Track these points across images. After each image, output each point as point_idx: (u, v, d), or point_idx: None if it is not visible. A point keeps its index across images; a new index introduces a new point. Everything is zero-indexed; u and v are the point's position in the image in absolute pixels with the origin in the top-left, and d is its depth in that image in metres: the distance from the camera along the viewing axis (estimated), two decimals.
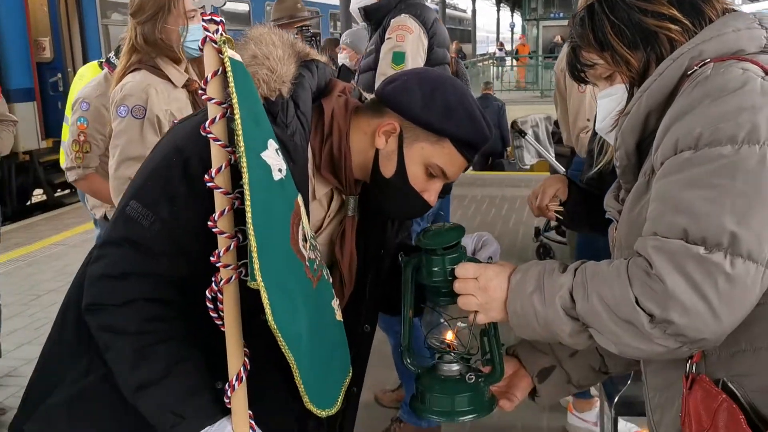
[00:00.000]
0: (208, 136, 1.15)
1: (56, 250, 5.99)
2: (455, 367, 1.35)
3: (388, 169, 1.36)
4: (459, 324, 1.35)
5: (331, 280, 1.40)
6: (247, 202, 1.10)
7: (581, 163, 2.88)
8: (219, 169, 1.15)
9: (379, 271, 1.51)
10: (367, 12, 2.84)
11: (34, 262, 5.66)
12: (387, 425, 2.99)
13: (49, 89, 7.92)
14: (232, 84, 1.13)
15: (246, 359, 1.21)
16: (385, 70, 2.66)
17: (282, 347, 1.15)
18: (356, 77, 2.98)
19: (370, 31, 2.93)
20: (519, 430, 3.08)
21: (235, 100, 1.12)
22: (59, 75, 7.87)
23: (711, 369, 1.07)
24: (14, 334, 4.17)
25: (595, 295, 1.02)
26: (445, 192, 3.01)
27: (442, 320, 1.35)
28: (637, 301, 0.98)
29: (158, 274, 1.24)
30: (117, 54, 3.13)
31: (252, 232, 1.10)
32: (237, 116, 1.12)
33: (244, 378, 1.19)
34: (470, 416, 1.34)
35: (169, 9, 2.30)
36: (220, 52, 1.15)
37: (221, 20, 1.17)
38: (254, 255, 1.10)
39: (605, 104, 1.28)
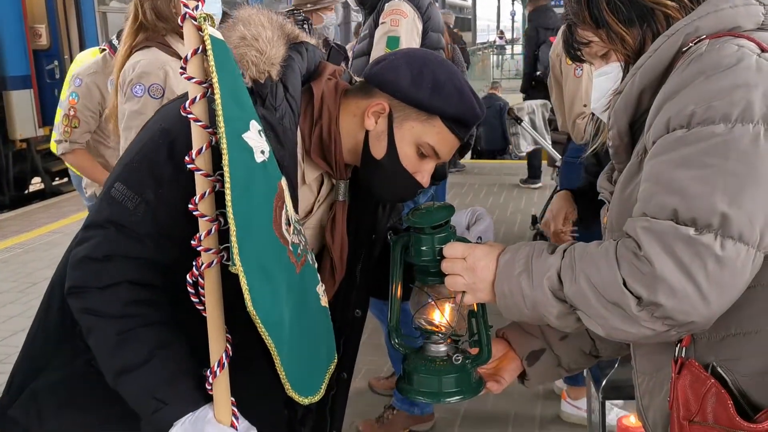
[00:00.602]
0: (188, 116, 1.12)
1: (53, 238, 5.99)
2: (442, 348, 1.34)
3: (378, 151, 1.34)
4: (447, 305, 1.33)
5: (316, 265, 1.38)
6: (227, 184, 1.08)
7: (576, 149, 2.87)
8: (200, 151, 1.13)
9: (369, 256, 1.50)
10: None
11: (31, 250, 5.66)
12: (380, 412, 3.00)
13: (46, 77, 7.88)
14: (212, 63, 1.09)
15: (228, 345, 1.19)
16: (380, 54, 2.64)
17: (261, 333, 1.14)
18: (350, 62, 2.95)
19: (364, 16, 2.91)
20: (513, 418, 3.08)
21: (215, 80, 1.09)
22: (56, 62, 7.84)
23: (700, 353, 1.06)
24: (10, 321, 4.19)
25: (583, 277, 1.01)
26: (440, 178, 3.00)
27: (430, 300, 1.33)
28: (624, 283, 0.96)
29: (143, 257, 1.22)
30: (119, 37, 3.14)
31: (231, 215, 1.08)
32: (217, 96, 1.09)
33: (225, 364, 1.17)
34: (457, 398, 1.33)
35: None
36: (200, 29, 1.11)
37: None
38: (233, 238, 1.08)
39: (600, 83, 1.26)
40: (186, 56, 1.12)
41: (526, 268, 1.09)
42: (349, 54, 3.59)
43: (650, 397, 1.18)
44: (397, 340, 1.40)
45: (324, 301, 1.37)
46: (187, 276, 1.17)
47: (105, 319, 1.21)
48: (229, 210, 1.08)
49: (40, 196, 8.19)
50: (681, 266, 0.93)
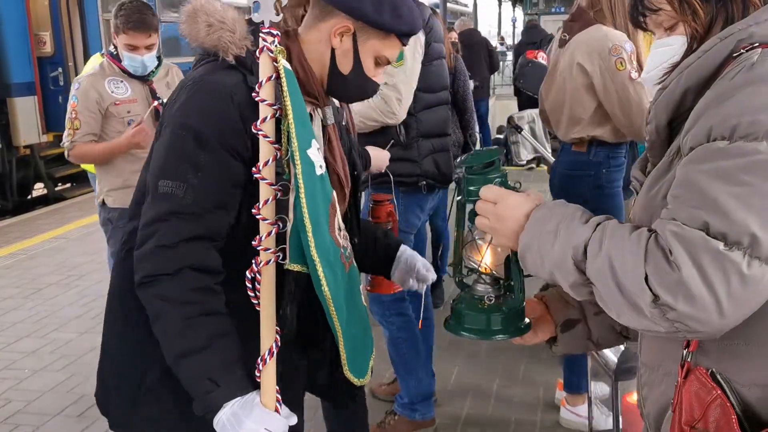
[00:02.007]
0: (258, 133, 1.31)
1: (57, 244, 6.02)
2: (485, 288, 1.38)
3: (345, 66, 1.50)
4: (486, 246, 1.36)
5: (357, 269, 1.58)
6: (301, 191, 1.29)
7: (571, 162, 2.86)
8: (266, 163, 1.32)
9: (355, 187, 1.70)
10: None
11: (35, 256, 5.69)
12: (382, 418, 3.03)
13: (50, 84, 7.92)
14: (286, 88, 1.30)
15: (277, 336, 1.35)
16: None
17: (333, 317, 1.38)
18: None
19: None
20: (513, 424, 3.11)
21: (288, 103, 1.30)
22: (60, 69, 7.89)
23: (701, 357, 1.06)
24: (14, 327, 4.21)
25: (607, 257, 1.00)
26: (447, 182, 3.03)
27: (472, 239, 1.37)
28: (646, 279, 0.96)
29: (205, 235, 1.38)
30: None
31: (307, 216, 1.29)
32: (290, 117, 1.30)
33: (275, 354, 1.33)
34: (500, 336, 1.36)
35: None
36: (275, 60, 1.30)
37: (277, 33, 1.32)
38: (309, 235, 1.30)
39: (658, 54, 1.21)
40: (261, 81, 1.31)
41: (555, 231, 1.08)
42: None
43: (649, 389, 1.19)
44: (457, 279, 1.43)
45: (364, 300, 1.58)
46: (246, 272, 1.34)
47: (173, 305, 1.35)
48: (305, 211, 1.29)
49: (43, 201, 8.22)
50: (705, 278, 0.92)
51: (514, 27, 27.59)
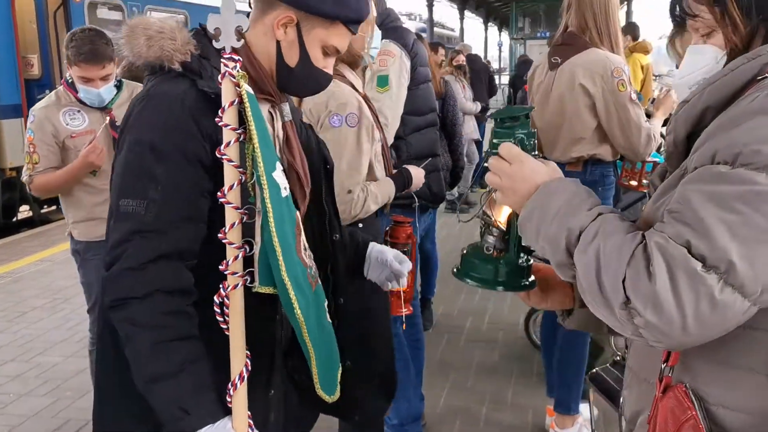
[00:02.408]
0: (222, 157, 1.29)
1: (42, 267, 5.97)
2: (493, 240, 1.38)
3: (292, 58, 1.47)
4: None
5: (320, 284, 1.55)
6: (270, 214, 1.28)
7: (563, 173, 2.89)
8: (231, 187, 1.29)
9: (330, 183, 1.69)
10: None
11: (20, 279, 5.64)
12: None
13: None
14: (249, 113, 1.29)
15: (248, 360, 1.33)
16: (371, 93, 2.71)
17: (305, 338, 1.38)
18: None
19: None
20: None
21: (252, 127, 1.29)
22: (47, 92, 7.82)
23: (683, 373, 1.08)
24: None
25: (596, 250, 1.02)
26: (439, 201, 3.06)
27: (487, 191, 1.36)
28: (624, 281, 0.97)
29: (172, 252, 1.33)
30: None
31: (276, 239, 1.28)
32: (255, 141, 1.29)
33: (246, 378, 1.31)
34: (500, 288, 1.36)
35: None
36: (237, 85, 1.29)
37: (239, 58, 1.31)
38: (280, 258, 1.29)
39: (690, 61, 1.21)
40: (224, 107, 1.29)
41: (558, 208, 1.10)
42: None
43: (629, 392, 1.22)
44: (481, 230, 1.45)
45: (329, 317, 1.55)
46: (215, 297, 1.31)
47: (143, 329, 1.31)
48: (273, 234, 1.28)
49: (28, 224, 8.17)
50: (676, 293, 0.93)
51: (500, 51, 27.88)
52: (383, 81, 2.70)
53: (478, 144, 8.03)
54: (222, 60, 1.29)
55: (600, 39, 2.73)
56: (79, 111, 3.01)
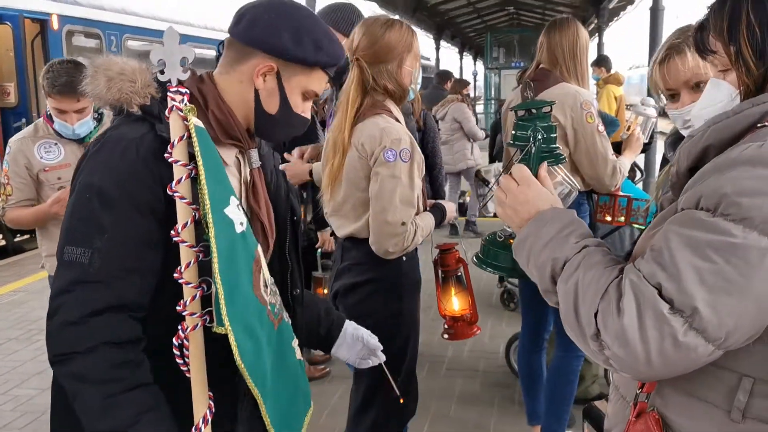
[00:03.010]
0: (174, 195, 1.25)
1: (16, 297, 5.88)
2: (508, 228, 1.44)
3: (271, 106, 1.46)
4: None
5: (290, 321, 1.52)
6: (214, 255, 1.21)
7: None
8: (185, 225, 1.25)
9: (295, 236, 1.64)
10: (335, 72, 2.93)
11: None
12: None
13: (12, 134, 7.84)
14: (197, 148, 1.25)
15: (211, 402, 1.29)
16: None
17: (249, 384, 1.29)
18: (325, 132, 3.04)
19: (334, 91, 2.98)
20: None
21: (200, 162, 1.24)
22: (24, 120, 7.83)
23: (657, 399, 1.13)
24: None
25: (576, 282, 1.07)
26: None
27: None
28: (596, 314, 1.03)
29: (116, 305, 1.26)
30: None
31: (219, 282, 1.21)
32: (202, 177, 1.23)
33: (209, 421, 1.27)
34: (502, 272, 1.42)
35: (410, 49, 2.31)
36: (185, 119, 1.26)
37: (186, 91, 1.29)
38: (222, 302, 1.22)
39: (707, 95, 1.23)
40: (173, 142, 1.26)
41: (549, 238, 1.16)
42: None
43: (610, 404, 1.28)
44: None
45: (298, 354, 1.50)
46: (174, 339, 1.27)
47: (89, 384, 1.23)
48: (217, 277, 1.21)
49: (2, 253, 8.04)
50: (643, 331, 0.98)
51: (475, 80, 28.26)
52: None
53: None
54: (168, 93, 1.27)
55: (569, 74, 2.85)
56: (56, 144, 2.97)
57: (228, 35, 1.47)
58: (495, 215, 5.23)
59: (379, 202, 2.21)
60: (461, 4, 18.36)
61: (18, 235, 8.44)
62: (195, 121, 1.27)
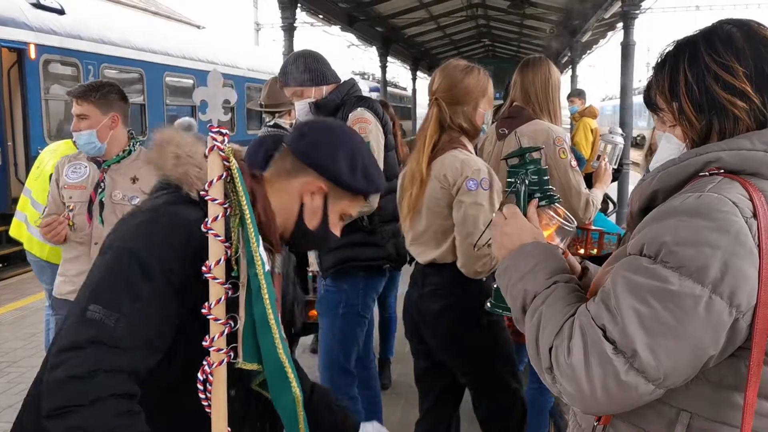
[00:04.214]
0: (209, 232, 1.29)
1: None
2: None
3: (312, 222, 1.55)
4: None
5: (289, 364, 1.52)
6: (263, 289, 1.28)
7: None
8: (218, 262, 1.29)
9: (291, 342, 1.70)
10: (318, 106, 3.01)
11: None
12: None
13: None
14: (240, 188, 1.30)
15: None
16: None
17: (299, 417, 1.40)
18: None
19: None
20: None
21: (243, 202, 1.30)
22: None
23: (608, 429, 1.20)
24: None
25: (539, 317, 1.15)
26: (402, 262, 3.15)
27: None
28: (550, 349, 1.10)
29: (127, 370, 1.27)
30: (136, 140, 3.08)
31: (271, 315, 1.29)
32: (247, 215, 1.30)
33: None
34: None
35: (485, 94, 2.53)
36: (225, 159, 1.30)
37: (226, 132, 1.33)
38: (275, 335, 1.30)
39: (663, 148, 1.30)
40: (211, 180, 1.30)
41: (524, 271, 1.23)
42: None
43: (569, 429, 1.35)
44: None
45: (298, 392, 1.51)
46: (198, 374, 1.30)
47: None
48: (269, 311, 1.29)
49: None
50: (588, 370, 1.04)
51: None
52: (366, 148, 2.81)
53: None
54: (210, 134, 1.30)
55: (541, 111, 2.97)
56: (86, 166, 3.05)
57: (286, 145, 1.55)
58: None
59: (465, 228, 2.37)
60: (437, 36, 18.66)
61: None
62: (235, 162, 1.31)
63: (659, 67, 1.22)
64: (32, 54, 8.33)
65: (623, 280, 1.07)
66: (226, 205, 1.30)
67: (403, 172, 2.65)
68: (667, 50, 1.21)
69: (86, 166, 3.05)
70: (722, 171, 1.11)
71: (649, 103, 1.26)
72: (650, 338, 1.02)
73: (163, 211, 1.37)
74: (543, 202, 1.46)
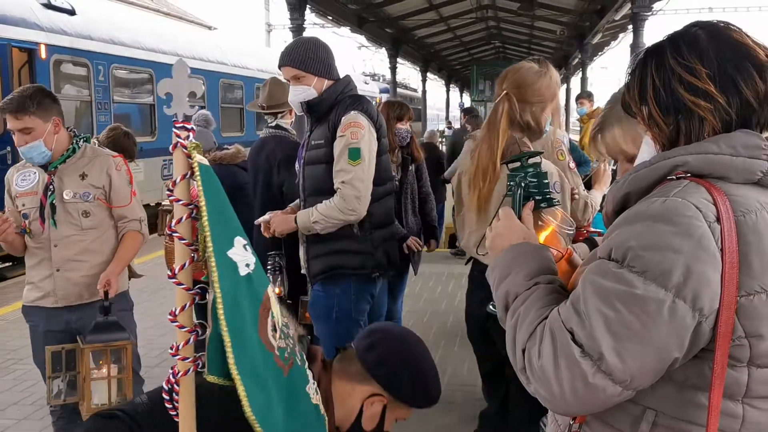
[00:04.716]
0: (174, 234, 1.24)
1: None
2: None
3: (369, 425, 1.70)
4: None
5: (306, 364, 1.50)
6: (219, 299, 1.18)
7: None
8: (182, 266, 1.24)
9: None
10: (309, 105, 2.91)
11: None
12: None
13: None
14: (200, 187, 1.21)
15: None
16: (344, 166, 2.77)
17: None
18: (300, 167, 3.03)
19: (309, 123, 3.00)
20: None
21: (202, 203, 1.21)
22: (8, 148, 7.84)
23: (583, 427, 1.21)
24: None
25: (517, 317, 1.17)
26: (395, 267, 3.13)
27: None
28: (524, 350, 1.13)
29: None
30: (78, 137, 3.04)
31: (225, 328, 1.17)
32: (204, 217, 1.20)
33: None
34: None
35: (553, 99, 2.62)
36: (189, 156, 1.23)
37: (192, 127, 1.25)
38: (228, 349, 1.17)
39: (643, 149, 1.30)
40: (175, 179, 1.23)
41: (509, 270, 1.25)
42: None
43: (547, 426, 1.37)
44: None
45: (315, 399, 1.48)
46: (164, 383, 1.26)
47: None
48: (222, 323, 1.17)
49: None
50: (557, 372, 1.06)
51: (461, 111, 28.55)
52: (355, 154, 2.76)
53: None
54: (174, 129, 1.23)
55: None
56: (35, 172, 2.99)
57: (355, 350, 1.71)
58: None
59: None
60: (447, 38, 18.63)
61: None
62: (199, 158, 1.24)
63: (631, 74, 1.23)
64: (43, 54, 8.41)
65: (591, 284, 1.09)
66: (191, 207, 1.26)
67: (463, 169, 2.67)
68: (638, 57, 1.23)
69: (35, 172, 3.01)
70: (689, 174, 1.11)
71: (625, 107, 1.26)
72: (617, 342, 1.03)
73: None
74: (542, 205, 1.47)
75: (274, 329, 1.35)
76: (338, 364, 1.73)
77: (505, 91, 2.55)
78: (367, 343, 1.74)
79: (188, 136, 1.24)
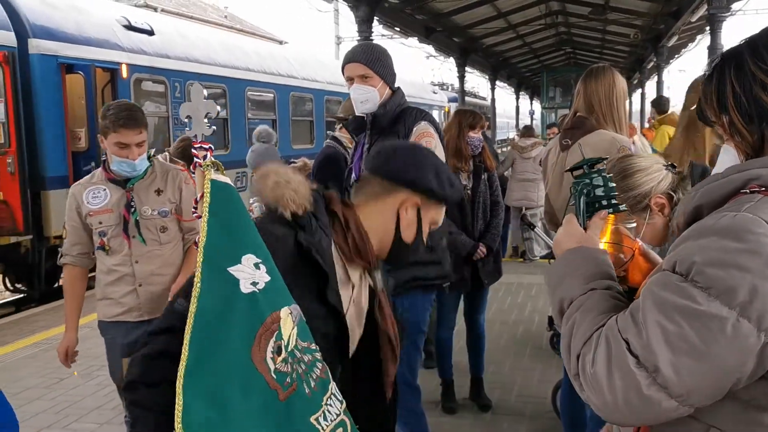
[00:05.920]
0: (198, 248, 1.30)
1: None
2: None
3: (408, 236, 1.70)
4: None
5: (330, 391, 1.44)
6: (191, 313, 1.22)
7: None
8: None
9: (394, 354, 1.75)
10: (375, 116, 2.93)
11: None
12: None
13: (83, 177, 8.25)
14: (206, 204, 1.27)
15: None
16: None
17: None
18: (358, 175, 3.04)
19: (369, 135, 2.98)
20: None
21: (204, 220, 1.26)
22: (93, 164, 8.22)
23: None
24: (36, 417, 4.26)
25: (573, 323, 1.16)
26: (448, 280, 3.14)
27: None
28: (578, 357, 1.11)
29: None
30: (149, 154, 3.12)
31: (186, 341, 1.21)
32: (202, 234, 1.25)
33: None
34: None
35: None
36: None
37: (210, 147, 1.34)
38: (182, 363, 1.21)
39: (722, 158, 1.29)
40: (197, 197, 1.34)
41: (564, 275, 1.25)
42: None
43: None
44: None
45: (326, 428, 1.39)
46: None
47: (149, 412, 1.39)
48: (187, 336, 1.21)
49: None
50: (611, 382, 1.04)
51: (531, 119, 28.22)
52: None
53: None
54: (193, 150, 1.33)
55: (605, 121, 2.91)
56: (104, 189, 3.04)
57: (369, 171, 1.73)
58: (540, 257, 5.22)
59: None
60: (517, 45, 18.46)
61: None
62: (215, 176, 1.30)
63: (707, 81, 1.18)
64: (124, 73, 8.80)
65: (653, 295, 1.06)
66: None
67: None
68: (714, 62, 1.18)
69: (104, 189, 3.04)
70: (764, 189, 1.07)
71: (702, 116, 1.24)
72: (674, 355, 1.01)
73: (257, 227, 1.48)
74: (609, 211, 1.45)
75: (278, 352, 1.32)
76: (358, 196, 1.73)
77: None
78: (381, 160, 1.75)
79: (206, 156, 1.33)
